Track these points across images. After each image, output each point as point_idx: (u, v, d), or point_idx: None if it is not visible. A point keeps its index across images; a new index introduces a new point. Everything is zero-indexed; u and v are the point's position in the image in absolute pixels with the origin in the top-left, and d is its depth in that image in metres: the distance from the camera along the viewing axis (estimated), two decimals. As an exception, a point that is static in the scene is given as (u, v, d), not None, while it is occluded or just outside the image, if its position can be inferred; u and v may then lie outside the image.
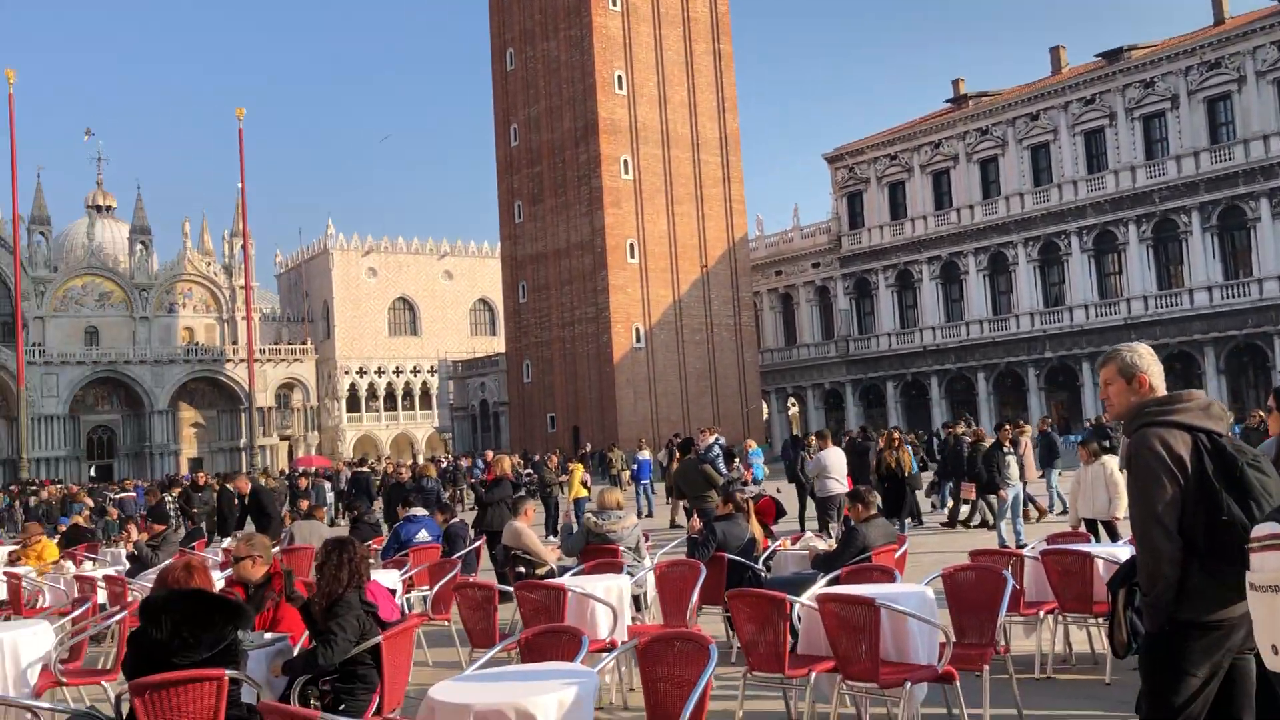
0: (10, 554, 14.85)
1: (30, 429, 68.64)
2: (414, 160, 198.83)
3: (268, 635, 5.97)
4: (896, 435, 17.80)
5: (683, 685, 4.41)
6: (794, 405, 65.77)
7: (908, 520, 16.78)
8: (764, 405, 62.77)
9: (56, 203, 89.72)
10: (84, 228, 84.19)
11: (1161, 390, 3.88)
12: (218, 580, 7.34)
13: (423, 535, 11.73)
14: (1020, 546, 12.16)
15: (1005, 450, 15.12)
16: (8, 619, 10.67)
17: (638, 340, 56.26)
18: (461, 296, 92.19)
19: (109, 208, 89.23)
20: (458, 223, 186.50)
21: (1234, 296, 45.45)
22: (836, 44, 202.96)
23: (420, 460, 68.43)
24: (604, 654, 6.32)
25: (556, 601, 7.07)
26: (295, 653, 5.83)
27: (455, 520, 12.42)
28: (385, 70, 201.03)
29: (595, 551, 9.54)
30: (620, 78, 56.86)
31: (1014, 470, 14.88)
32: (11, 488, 46.08)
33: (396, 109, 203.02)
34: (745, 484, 16.15)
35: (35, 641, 7.17)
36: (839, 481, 14.81)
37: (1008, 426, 17.01)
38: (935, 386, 55.49)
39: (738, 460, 17.92)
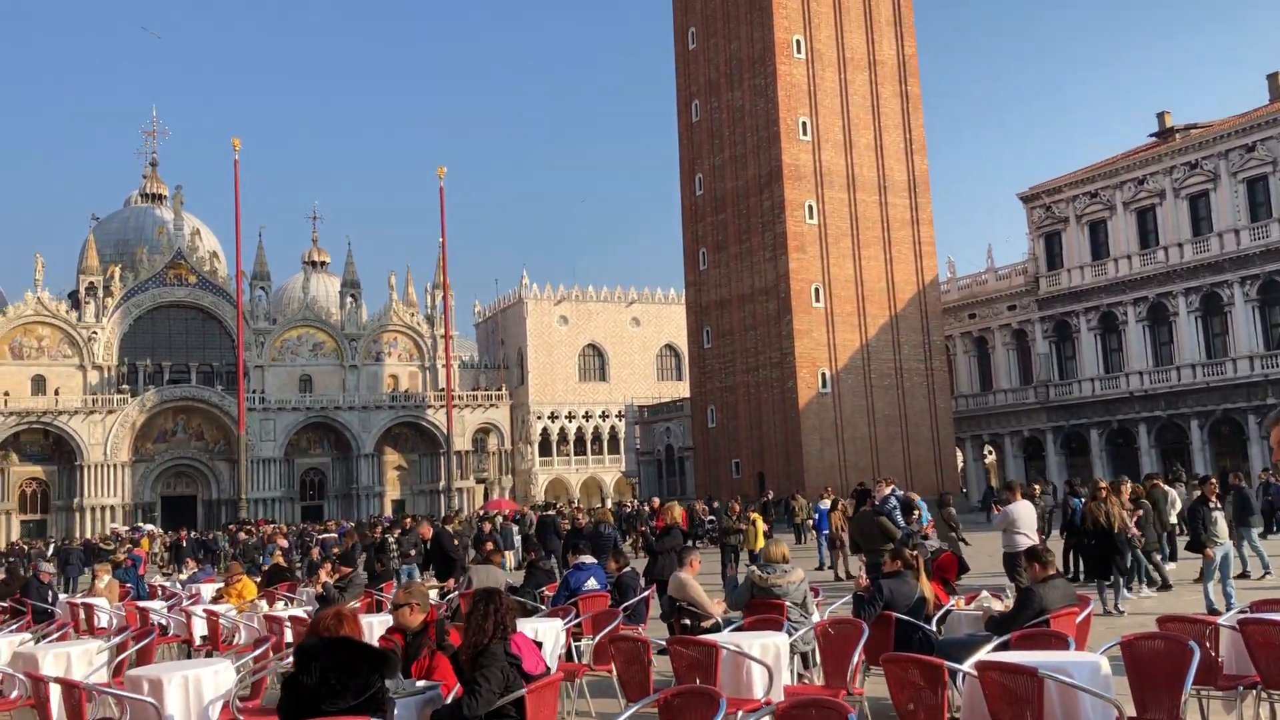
0: (216, 592, 15.75)
1: (249, 471, 73.34)
2: (604, 210, 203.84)
3: (419, 684, 6.06)
4: (1105, 487, 16.63)
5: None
6: (990, 453, 63.16)
7: (1132, 584, 15.61)
8: (958, 453, 60.55)
9: (275, 258, 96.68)
10: (300, 282, 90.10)
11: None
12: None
13: (591, 584, 11.76)
14: (1233, 610, 11.17)
15: (1212, 505, 13.99)
16: (209, 654, 11.31)
17: (824, 385, 55.39)
18: (649, 342, 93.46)
19: (322, 263, 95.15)
20: (645, 270, 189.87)
21: None
22: (1028, 80, 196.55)
23: (607, 504, 69.46)
24: (752, 714, 6.12)
25: (709, 658, 6.92)
26: (446, 702, 5.90)
27: (626, 570, 12.38)
28: (576, 126, 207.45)
29: (759, 606, 9.31)
30: (804, 124, 56.65)
31: (1222, 527, 13.76)
32: (230, 527, 49.23)
33: (587, 163, 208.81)
34: (925, 538, 15.48)
35: (217, 679, 7.54)
36: (1028, 537, 14.00)
37: (1213, 480, 15.74)
38: (1144, 435, 52.21)
39: (917, 513, 17.21)
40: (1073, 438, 56.45)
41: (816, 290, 55.83)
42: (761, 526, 21.74)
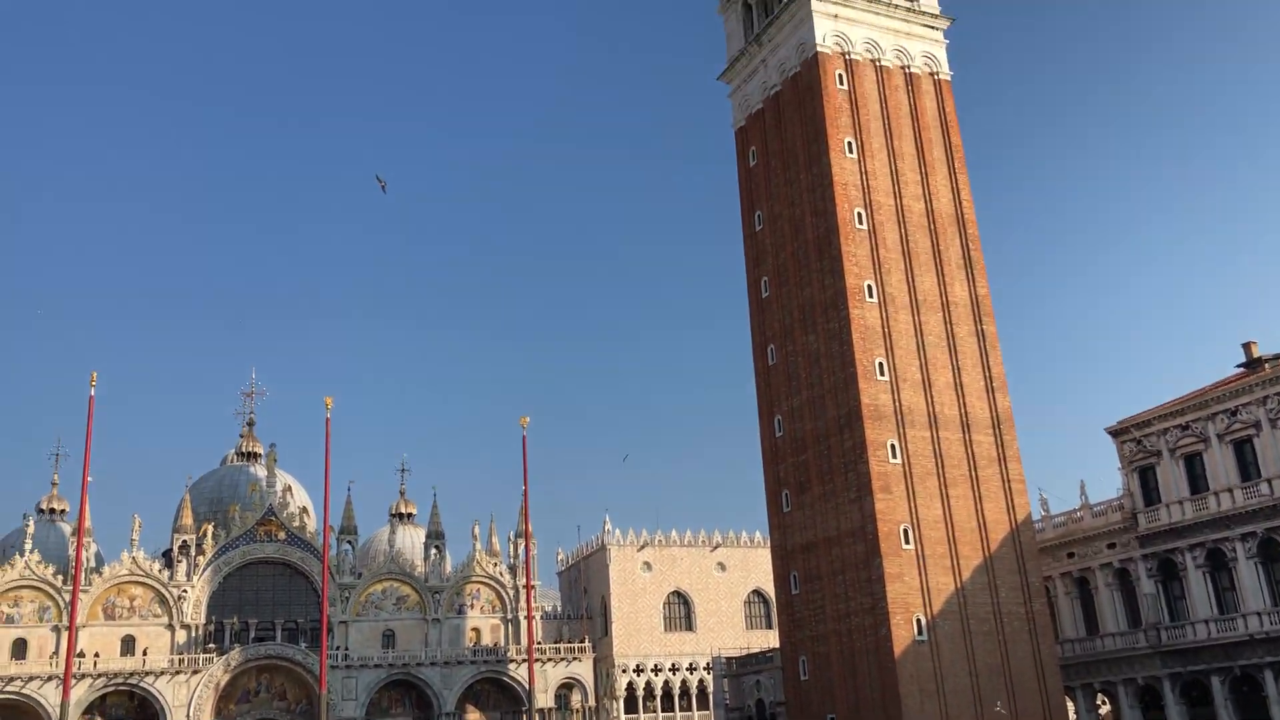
0: None
1: (330, 732, 71.64)
2: (685, 454, 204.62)
3: None
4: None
5: None
6: (1104, 704, 59.09)
7: None
8: (1069, 705, 56.70)
9: (363, 511, 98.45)
10: (386, 535, 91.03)
11: None
12: None
13: None
14: None
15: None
16: None
17: (920, 632, 53.00)
18: (735, 588, 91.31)
19: (409, 514, 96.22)
20: (728, 511, 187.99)
21: None
22: (1107, 313, 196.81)
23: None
24: None
25: None
26: None
27: None
28: (657, 376, 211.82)
29: None
30: (881, 364, 57.03)
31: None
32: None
33: (666, 411, 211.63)
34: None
35: None
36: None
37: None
38: (1270, 681, 48.47)
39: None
40: (1192, 686, 52.71)
41: (905, 531, 54.47)
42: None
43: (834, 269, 58.98)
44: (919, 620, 53.19)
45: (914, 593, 53.69)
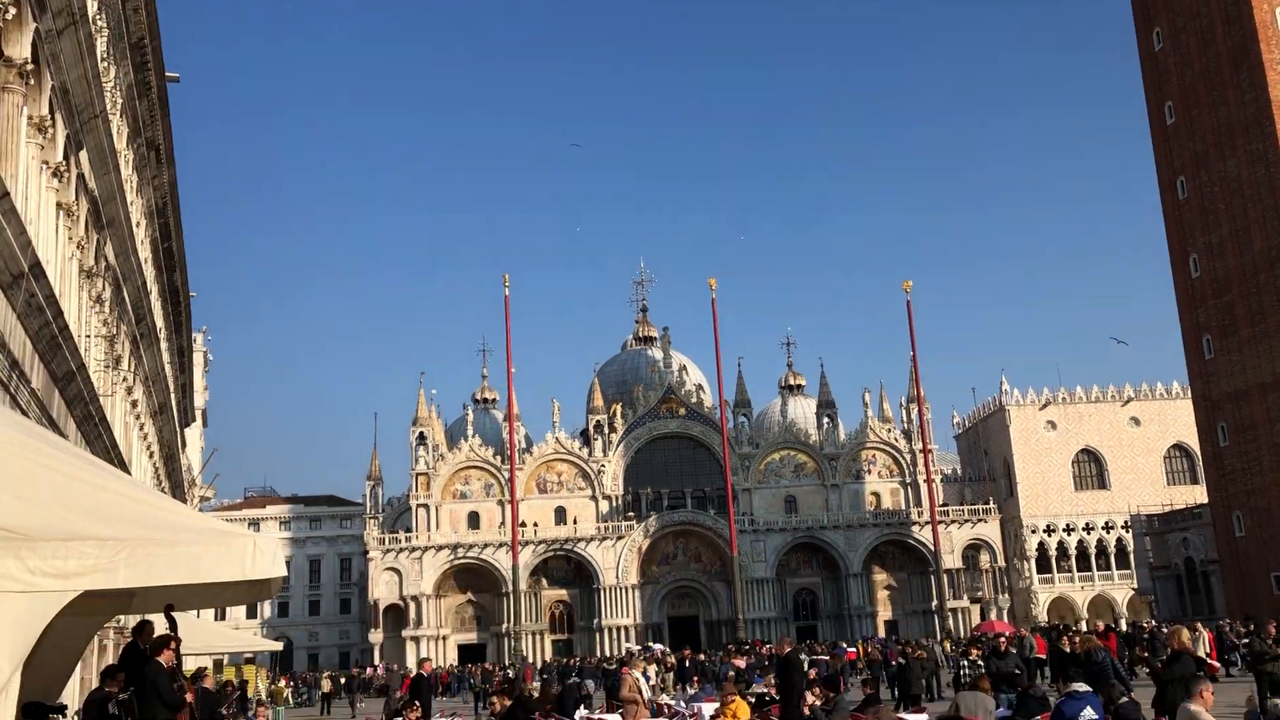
0: (714, 710, 16.53)
1: (744, 592, 76.08)
2: (1084, 305, 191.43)
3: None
4: None
5: None
6: None
7: None
8: None
9: (753, 385, 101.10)
10: (778, 406, 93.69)
11: None
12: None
13: (1088, 713, 10.80)
14: None
15: None
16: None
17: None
18: (1152, 443, 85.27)
19: (798, 386, 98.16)
20: (1140, 364, 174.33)
21: None
22: None
23: (1121, 624, 63.11)
24: None
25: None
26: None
27: (1124, 700, 11.22)
28: (1044, 223, 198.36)
29: (1293, 747, 8.01)
30: (1317, 185, 49.92)
31: None
32: (729, 646, 51.12)
33: (1068, 255, 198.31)
34: None
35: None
36: None
37: None
38: None
39: None
40: None
41: (1355, 368, 48.07)
42: (1305, 652, 18.64)
43: (1253, 80, 52.06)
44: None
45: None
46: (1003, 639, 17.24)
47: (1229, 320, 54.46)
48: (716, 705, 17.26)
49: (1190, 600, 60.93)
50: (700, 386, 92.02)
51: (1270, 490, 51.99)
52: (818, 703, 14.45)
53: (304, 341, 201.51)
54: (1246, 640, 31.85)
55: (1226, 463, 55.36)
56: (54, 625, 7.50)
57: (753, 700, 17.46)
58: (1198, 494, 71.17)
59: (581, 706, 20.08)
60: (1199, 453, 63.41)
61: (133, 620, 16.62)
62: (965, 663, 19.07)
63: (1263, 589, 52.14)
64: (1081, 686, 11.34)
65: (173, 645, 12.54)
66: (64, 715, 13.18)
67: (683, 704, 22.46)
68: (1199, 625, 31.05)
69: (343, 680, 57.53)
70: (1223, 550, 56.33)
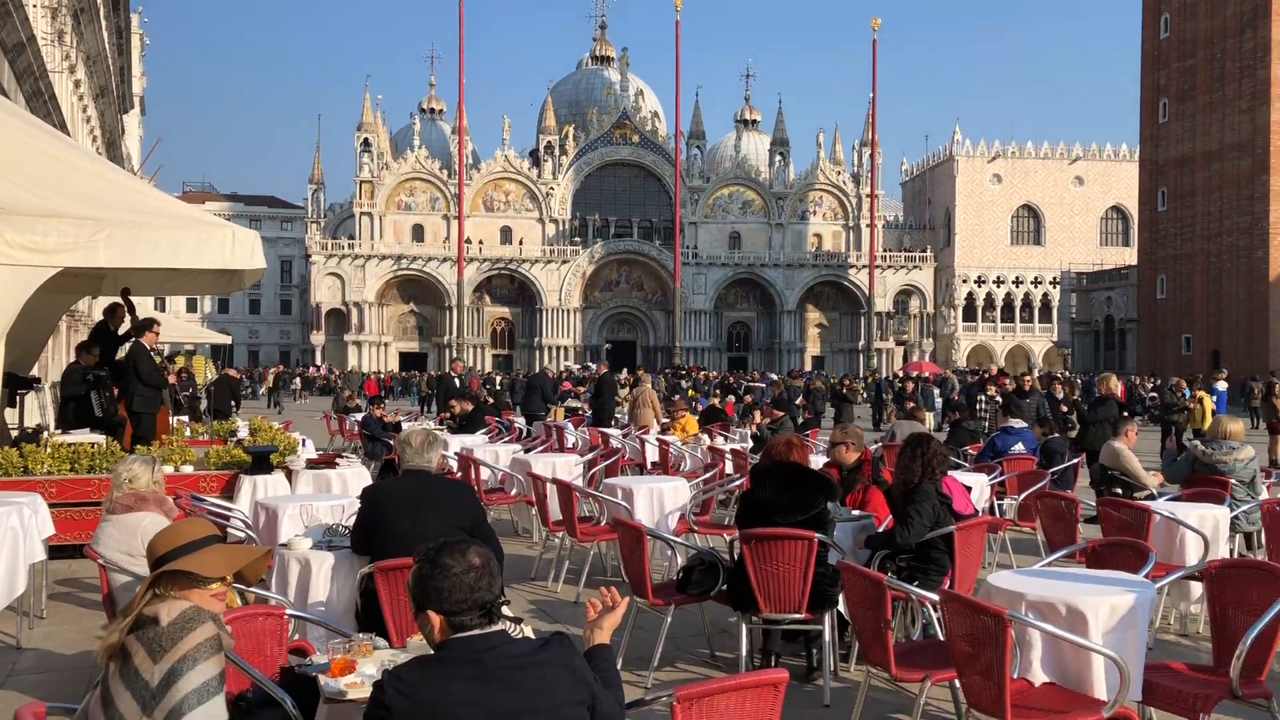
0: (662, 426, 17.57)
1: (682, 321, 78.23)
2: (1043, 59, 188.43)
3: (855, 512, 6.71)
4: None
5: (1249, 609, 4.31)
6: None
7: None
8: None
9: (709, 117, 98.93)
10: (732, 140, 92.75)
11: None
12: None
13: (1018, 447, 11.84)
14: None
15: None
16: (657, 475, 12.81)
17: (1301, 256, 48.95)
18: (1092, 204, 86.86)
19: (754, 121, 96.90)
20: (1089, 125, 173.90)
21: None
22: None
23: (1034, 374, 66.48)
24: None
25: (1141, 523, 6.94)
26: (879, 530, 6.51)
27: (1054, 436, 12.30)
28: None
29: (1200, 481, 9.00)
30: (1303, -51, 48.79)
31: None
32: (666, 371, 53.19)
33: (1039, 7, 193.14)
34: None
35: (676, 494, 8.71)
36: None
37: None
38: None
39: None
40: None
41: (1301, 147, 48.89)
42: (1210, 405, 20.21)
43: None
44: (1304, 243, 48.93)
45: (1302, 214, 49.06)
46: (1028, 377, 18.76)
47: (1189, 85, 54.43)
48: (667, 422, 18.26)
49: (1104, 356, 64.15)
50: (656, 115, 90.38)
51: (1197, 256, 53.90)
52: (765, 421, 15.47)
53: (243, 33, 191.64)
54: (1154, 393, 34.23)
55: (1160, 227, 56.92)
56: (29, 301, 7.82)
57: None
58: (1128, 256, 73.43)
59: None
60: (1136, 215, 64.91)
61: (97, 305, 16.95)
62: (983, 397, 21.30)
63: (1173, 349, 55.08)
64: (1018, 422, 12.37)
65: (155, 329, 12.96)
66: (38, 386, 13.70)
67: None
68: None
69: (286, 375, 59.88)
70: (1143, 310, 58.89)
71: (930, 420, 28.61)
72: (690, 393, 33.38)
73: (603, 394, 20.00)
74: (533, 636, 2.86)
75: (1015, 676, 4.27)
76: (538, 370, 49.45)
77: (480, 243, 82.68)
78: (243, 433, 12.26)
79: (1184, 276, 54.87)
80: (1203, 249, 53.48)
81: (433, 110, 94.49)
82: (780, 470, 6.03)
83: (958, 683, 4.44)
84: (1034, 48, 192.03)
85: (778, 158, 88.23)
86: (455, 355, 69.15)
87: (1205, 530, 7.05)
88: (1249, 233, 50.35)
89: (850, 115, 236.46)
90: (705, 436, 15.19)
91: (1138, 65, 58.46)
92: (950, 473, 6.81)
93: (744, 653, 5.81)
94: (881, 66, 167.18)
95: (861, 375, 63.41)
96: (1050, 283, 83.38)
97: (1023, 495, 9.57)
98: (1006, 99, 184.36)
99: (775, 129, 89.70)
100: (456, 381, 23.82)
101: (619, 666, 3.62)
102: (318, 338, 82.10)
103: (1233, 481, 8.91)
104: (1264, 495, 8.99)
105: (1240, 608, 4.45)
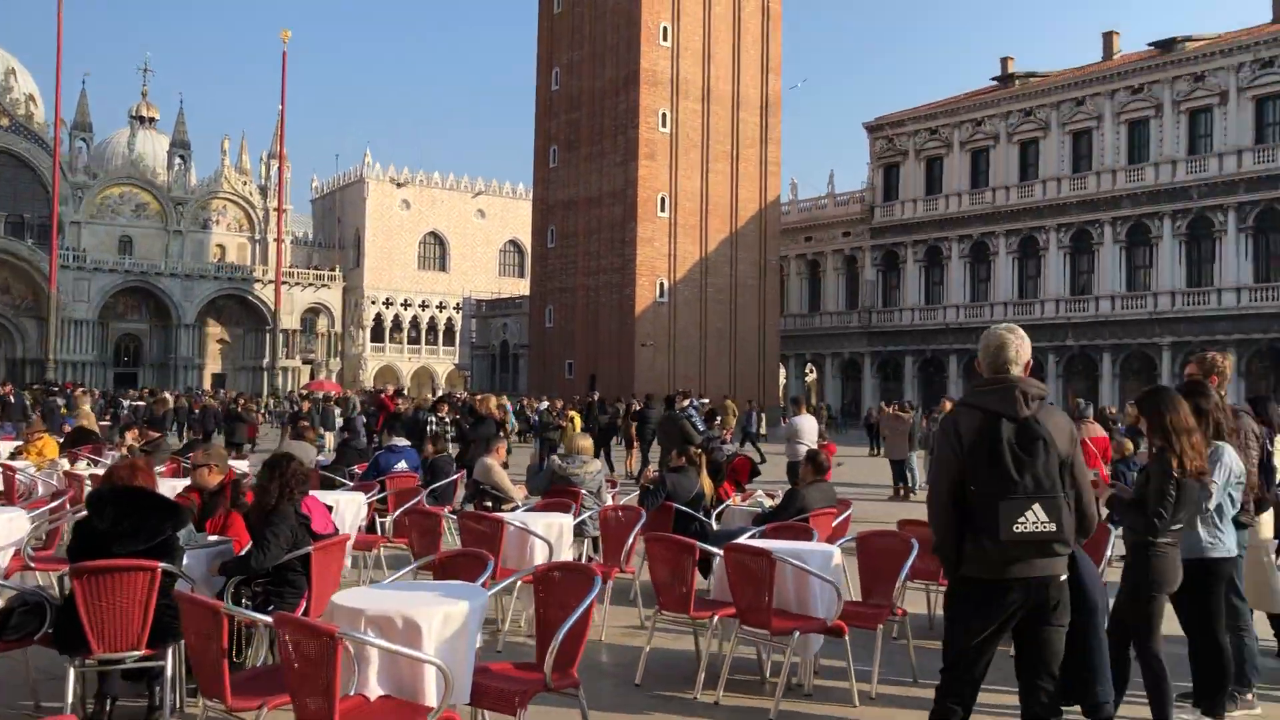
0: (15, 449, 15.40)
1: (60, 332, 69.86)
2: (453, 96, 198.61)
3: (211, 538, 6.37)
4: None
5: (567, 609, 4.77)
6: (812, 372, 65.87)
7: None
8: (782, 370, 62.90)
9: (99, 110, 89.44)
10: (125, 138, 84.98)
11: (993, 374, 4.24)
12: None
13: (401, 465, 12.14)
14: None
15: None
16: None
17: (661, 295, 56.40)
18: (492, 236, 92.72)
19: (151, 119, 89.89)
20: (493, 163, 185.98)
21: (1263, 300, 45.03)
22: (885, 13, 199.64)
23: (437, 394, 69.29)
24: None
25: (496, 532, 7.44)
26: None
27: (442, 454, 12.82)
28: (429, 4, 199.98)
29: (558, 492, 9.90)
30: (666, 29, 56.50)
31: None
32: (34, 386, 46.98)
33: (439, 44, 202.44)
34: (723, 443, 16.48)
35: (10, 526, 7.61)
36: (808, 445, 15.13)
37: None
38: (954, 365, 55.42)
39: (719, 420, 18.27)
40: (889, 363, 59.45)
41: (662, 200, 56.42)
42: (579, 424, 22.44)
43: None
44: (662, 283, 56.43)
45: (662, 258, 56.56)
46: (491, 401, 19.09)
47: (575, 136, 60.27)
48: (17, 444, 16.16)
49: (501, 377, 68.64)
50: (33, 98, 79.86)
51: (579, 290, 59.76)
52: (137, 444, 14.26)
53: None
54: (540, 413, 37.28)
55: (549, 262, 62.29)
56: None
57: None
58: (522, 286, 79.39)
59: None
60: (530, 250, 70.45)
61: None
62: (434, 418, 21.07)
63: (559, 373, 60.43)
64: (401, 441, 12.69)
65: None
66: None
67: None
68: (505, 398, 35.73)
69: None
70: (534, 337, 63.93)
71: (330, 439, 28.49)
72: (63, 410, 29.87)
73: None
74: None
75: (353, 693, 4.30)
76: None
77: None
78: None
79: (568, 308, 60.51)
80: (584, 284, 59.41)
81: None
82: (121, 495, 5.53)
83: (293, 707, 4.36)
84: (445, 80, 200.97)
85: (178, 160, 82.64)
86: None
87: (550, 537, 7.73)
88: (620, 271, 56.93)
89: (259, 125, 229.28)
90: (65, 461, 13.60)
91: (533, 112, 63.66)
92: (319, 491, 6.75)
93: (69, 700, 5.21)
94: (294, 81, 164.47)
95: (264, 394, 61.33)
96: (454, 308, 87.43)
97: (397, 512, 9.80)
98: (420, 130, 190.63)
99: (176, 129, 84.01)
100: None
101: None
102: None
103: (583, 491, 9.91)
104: (608, 502, 10.12)
105: (559, 607, 4.91)
